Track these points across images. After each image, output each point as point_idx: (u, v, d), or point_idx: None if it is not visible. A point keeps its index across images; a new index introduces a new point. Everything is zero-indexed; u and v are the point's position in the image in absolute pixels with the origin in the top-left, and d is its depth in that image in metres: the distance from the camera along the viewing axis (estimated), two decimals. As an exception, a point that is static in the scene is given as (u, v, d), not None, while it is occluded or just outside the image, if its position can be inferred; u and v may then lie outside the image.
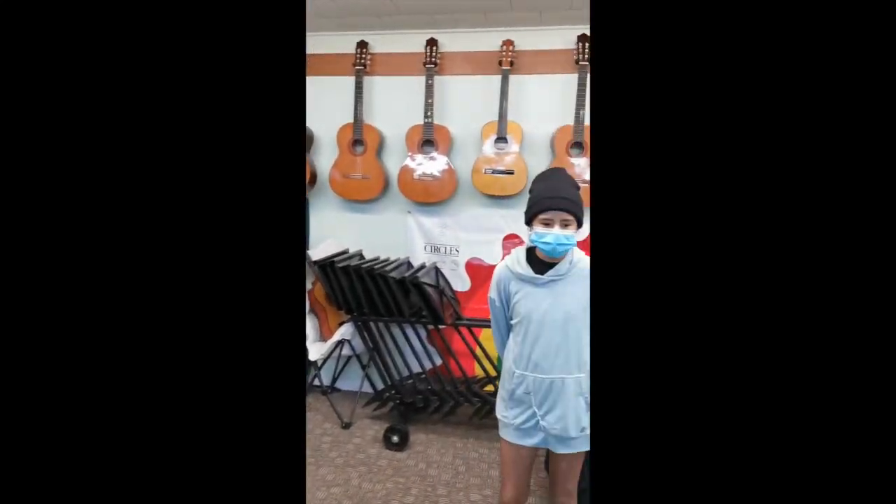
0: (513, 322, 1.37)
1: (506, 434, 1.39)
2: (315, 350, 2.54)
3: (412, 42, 2.64)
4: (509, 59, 2.51)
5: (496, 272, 1.40)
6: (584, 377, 1.31)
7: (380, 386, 2.59)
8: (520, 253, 1.36)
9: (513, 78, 2.53)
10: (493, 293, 1.40)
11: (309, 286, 2.63)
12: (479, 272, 2.76)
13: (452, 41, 2.63)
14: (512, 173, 2.54)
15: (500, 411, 1.40)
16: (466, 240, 2.74)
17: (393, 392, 2.51)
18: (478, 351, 2.51)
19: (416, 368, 2.61)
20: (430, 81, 2.57)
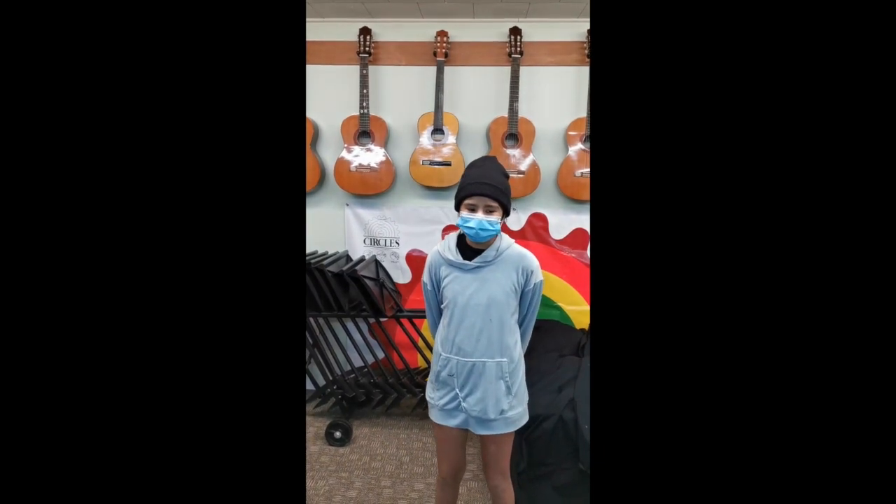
0: (442, 306, 1.40)
1: (433, 415, 1.43)
2: (251, 349, 2.45)
3: (345, 31, 2.58)
4: (444, 51, 2.52)
5: (429, 257, 1.44)
6: (506, 362, 1.35)
7: (321, 382, 2.55)
8: (451, 239, 1.39)
9: (448, 69, 2.54)
10: (425, 277, 1.44)
11: (243, 283, 2.53)
12: (420, 263, 2.76)
13: (386, 30, 2.60)
14: (449, 164, 2.56)
15: (428, 392, 1.45)
16: (406, 231, 2.74)
17: (335, 388, 2.48)
18: (420, 342, 2.52)
19: (358, 363, 2.59)
20: (364, 71, 2.53)
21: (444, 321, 1.40)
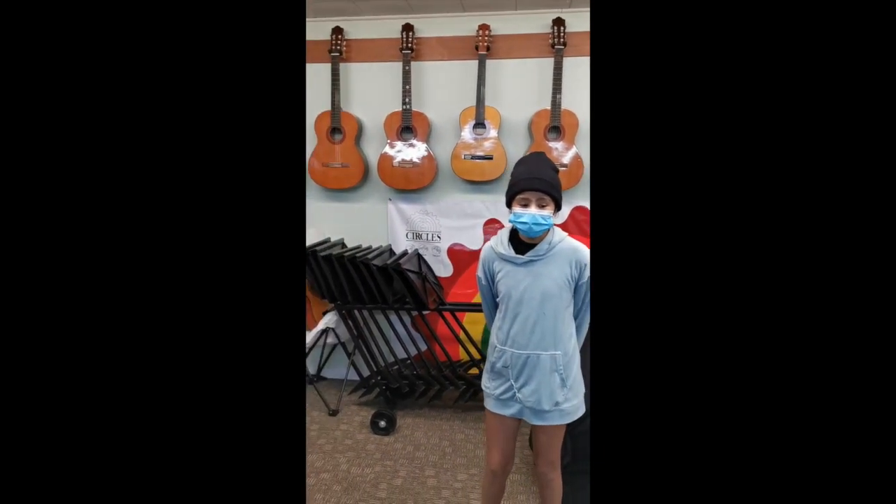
0: (497, 300, 1.43)
1: (488, 404, 1.46)
2: (299, 339, 2.54)
3: (388, 28, 2.62)
4: (486, 44, 2.51)
5: (482, 252, 1.46)
6: (560, 354, 1.36)
7: (365, 373, 2.62)
8: (504, 234, 1.41)
9: (490, 63, 2.54)
10: (479, 272, 1.47)
11: (291, 276, 2.63)
12: (461, 257, 2.79)
13: (428, 26, 2.62)
14: (491, 158, 2.56)
15: (484, 382, 1.48)
16: (448, 226, 2.76)
17: (379, 378, 2.54)
18: (461, 335, 2.55)
19: (401, 354, 2.64)
20: (406, 67, 2.56)
21: (499, 314, 1.42)
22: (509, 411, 1.41)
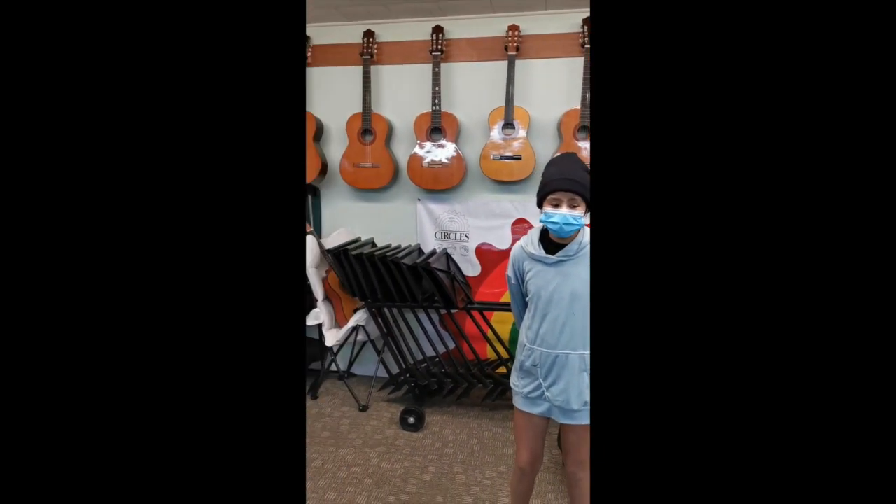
0: (526, 299, 1.44)
1: (517, 402, 1.48)
2: (331, 336, 2.61)
3: (418, 30, 2.65)
4: (515, 45, 2.52)
5: (512, 252, 1.48)
6: (589, 354, 1.37)
7: (394, 370, 2.66)
8: (534, 234, 1.42)
9: (519, 63, 2.55)
10: (509, 271, 1.49)
11: (323, 274, 2.70)
12: (490, 257, 2.80)
13: (458, 28, 2.64)
14: (520, 158, 2.57)
15: (513, 380, 1.49)
16: (476, 225, 2.79)
17: (407, 376, 2.58)
18: (489, 334, 2.57)
19: (429, 352, 2.68)
20: (436, 69, 2.59)
21: (528, 313, 1.44)
22: (538, 410, 1.43)
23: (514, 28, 2.52)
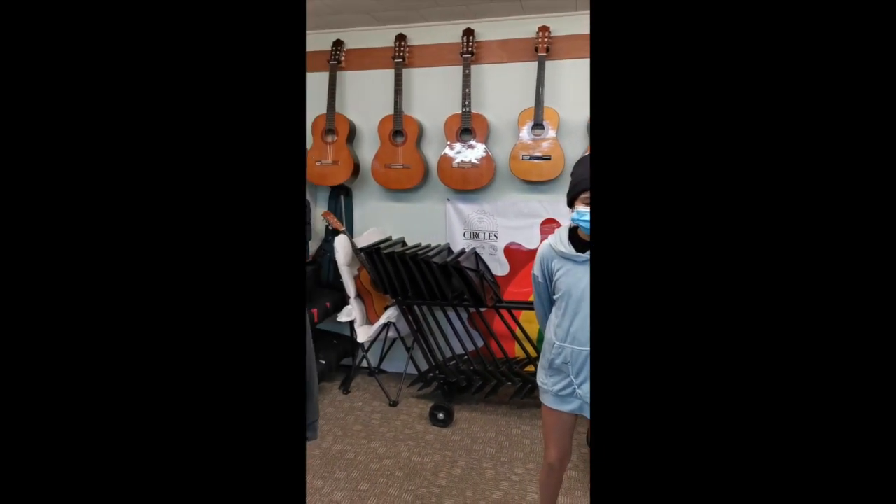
0: (555, 297, 1.46)
1: (545, 400, 1.49)
2: (363, 333, 2.68)
3: (449, 32, 2.70)
4: (545, 46, 2.54)
5: (540, 250, 1.49)
6: None
7: (424, 367, 2.71)
8: (562, 232, 1.44)
9: (549, 64, 2.56)
10: (536, 270, 1.50)
11: (355, 272, 2.77)
12: (518, 256, 2.83)
13: (488, 30, 2.68)
14: (549, 159, 2.59)
15: (541, 378, 1.51)
16: (505, 225, 2.81)
17: (437, 372, 2.63)
18: (518, 332, 2.59)
19: (458, 350, 2.72)
20: (467, 71, 2.63)
21: (557, 311, 1.45)
22: (568, 407, 1.44)
23: (544, 29, 2.54)
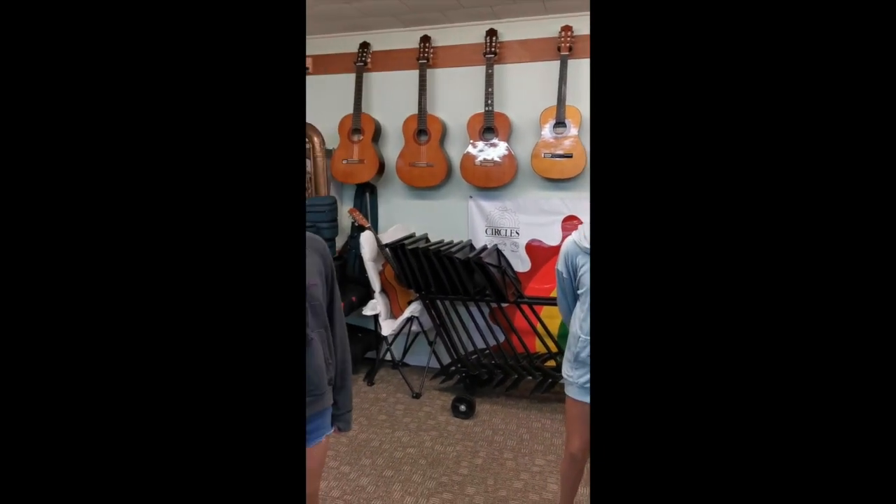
0: (579, 292, 1.50)
1: (571, 392, 1.54)
2: (387, 326, 2.76)
3: (472, 33, 2.75)
4: (568, 45, 2.57)
5: (564, 246, 1.53)
6: None
7: (446, 360, 2.78)
8: (586, 229, 1.47)
9: (571, 62, 2.59)
10: (560, 266, 1.54)
11: (380, 268, 2.85)
12: (540, 253, 2.87)
13: (511, 30, 2.72)
14: (571, 157, 2.62)
15: (566, 371, 1.55)
16: (526, 222, 2.86)
17: (459, 366, 2.69)
18: (539, 328, 2.64)
19: (480, 344, 2.78)
20: (489, 71, 2.68)
21: (582, 306, 1.49)
22: None
23: (566, 28, 2.57)
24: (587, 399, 1.49)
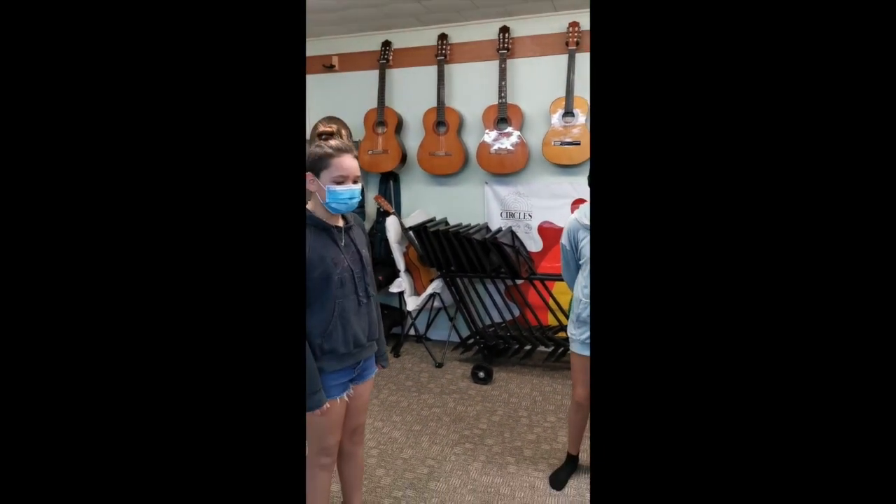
0: (580, 262, 1.75)
1: (574, 347, 1.79)
2: (411, 302, 3.02)
3: (486, 31, 2.96)
4: (576, 40, 2.77)
5: (568, 223, 1.78)
6: None
7: (465, 334, 3.04)
8: (586, 207, 1.71)
9: (579, 56, 2.79)
10: (564, 240, 1.79)
11: (404, 249, 3.11)
12: (551, 234, 3.09)
13: (522, 26, 2.92)
14: (579, 144, 2.83)
15: (570, 330, 1.81)
16: (538, 205, 3.08)
17: (477, 338, 2.95)
18: (551, 303, 2.87)
19: (497, 318, 3.03)
20: (503, 65, 2.89)
21: (583, 273, 1.74)
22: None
23: (574, 24, 2.76)
24: (588, 353, 1.74)
